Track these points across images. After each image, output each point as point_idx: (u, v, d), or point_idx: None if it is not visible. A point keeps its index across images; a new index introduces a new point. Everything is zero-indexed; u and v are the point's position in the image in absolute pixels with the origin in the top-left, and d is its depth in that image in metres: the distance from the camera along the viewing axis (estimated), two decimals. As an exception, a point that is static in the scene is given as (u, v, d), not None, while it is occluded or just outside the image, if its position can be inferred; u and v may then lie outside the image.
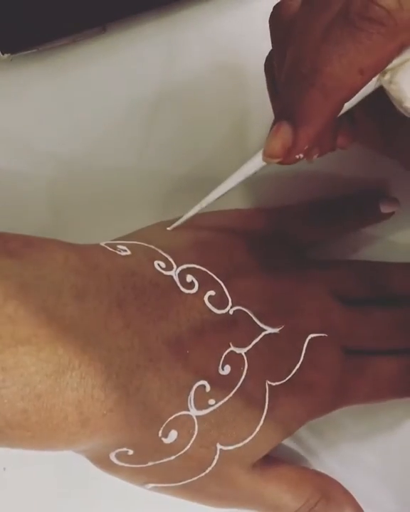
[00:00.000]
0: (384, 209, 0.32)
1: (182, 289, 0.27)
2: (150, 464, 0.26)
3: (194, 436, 0.26)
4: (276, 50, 0.25)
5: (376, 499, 0.31)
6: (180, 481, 0.27)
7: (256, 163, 0.25)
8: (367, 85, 0.22)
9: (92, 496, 0.32)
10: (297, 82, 0.22)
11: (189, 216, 0.28)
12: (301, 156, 0.23)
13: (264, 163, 0.24)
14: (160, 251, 0.28)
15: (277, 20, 0.24)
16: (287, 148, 0.22)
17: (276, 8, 0.24)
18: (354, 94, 0.22)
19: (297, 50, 0.22)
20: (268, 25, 0.25)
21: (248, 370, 0.27)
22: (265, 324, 0.28)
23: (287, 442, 0.32)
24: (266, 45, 0.32)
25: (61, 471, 0.32)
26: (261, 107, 0.33)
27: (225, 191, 0.27)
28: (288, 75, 0.23)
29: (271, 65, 0.26)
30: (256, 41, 0.32)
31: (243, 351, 0.27)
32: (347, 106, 0.22)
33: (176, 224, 0.29)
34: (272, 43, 0.25)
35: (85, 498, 0.32)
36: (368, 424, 0.33)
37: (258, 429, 0.27)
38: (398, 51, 0.21)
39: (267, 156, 0.23)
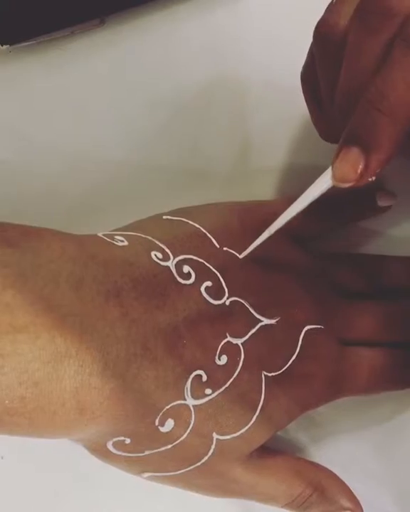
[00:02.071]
0: (381, 202, 0.33)
1: (179, 279, 0.27)
2: (147, 453, 0.26)
3: (191, 425, 0.26)
4: (322, 67, 0.25)
5: (371, 490, 0.31)
6: (176, 471, 0.27)
7: (323, 185, 0.25)
8: None
9: (91, 485, 0.32)
10: (363, 107, 0.22)
11: (258, 243, 0.28)
12: (373, 178, 0.23)
13: (331, 185, 0.24)
14: (157, 242, 0.28)
15: (323, 37, 0.24)
16: (359, 172, 0.22)
17: (322, 25, 0.24)
18: None
19: (354, 72, 0.22)
20: (313, 41, 0.24)
21: (244, 360, 0.27)
22: (262, 315, 0.28)
23: (283, 433, 0.32)
24: (265, 38, 0.32)
25: (60, 459, 0.32)
26: (262, 100, 0.33)
27: (293, 215, 0.26)
28: (348, 98, 0.23)
29: (310, 77, 0.26)
30: (256, 34, 0.33)
31: (239, 342, 0.28)
32: None
33: (246, 252, 0.28)
34: (317, 59, 0.25)
35: (84, 487, 0.32)
36: (363, 417, 0.33)
37: (254, 419, 0.27)
38: None
39: (339, 180, 0.23)
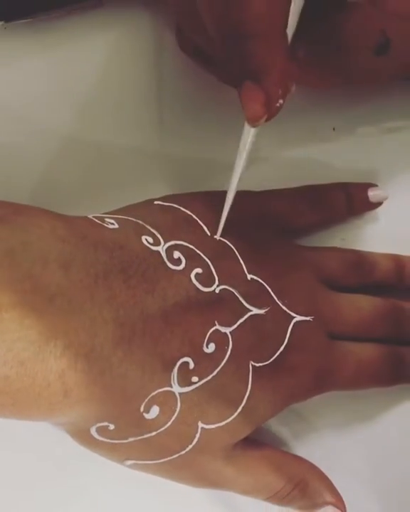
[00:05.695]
0: (373, 198, 0.33)
1: (169, 264, 0.27)
2: (131, 439, 0.26)
3: (176, 413, 0.26)
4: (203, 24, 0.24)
5: (354, 487, 0.31)
6: (159, 459, 0.27)
7: (247, 134, 0.25)
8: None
9: (70, 470, 0.32)
10: (229, 42, 0.21)
11: (225, 218, 0.29)
12: (281, 102, 0.23)
13: (254, 130, 0.24)
14: (148, 226, 0.28)
15: None
16: (264, 103, 0.22)
17: None
18: (287, 17, 0.21)
19: (212, 18, 0.22)
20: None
21: (232, 349, 0.27)
22: (251, 305, 0.28)
23: (267, 426, 0.32)
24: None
25: (39, 444, 0.31)
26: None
27: (238, 176, 0.27)
28: (220, 39, 0.22)
29: (187, 40, 0.26)
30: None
31: (228, 330, 0.27)
32: (291, 31, 0.22)
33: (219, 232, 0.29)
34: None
35: (62, 472, 0.32)
36: (349, 412, 0.33)
37: (240, 409, 0.27)
38: None
39: (252, 120, 0.22)
